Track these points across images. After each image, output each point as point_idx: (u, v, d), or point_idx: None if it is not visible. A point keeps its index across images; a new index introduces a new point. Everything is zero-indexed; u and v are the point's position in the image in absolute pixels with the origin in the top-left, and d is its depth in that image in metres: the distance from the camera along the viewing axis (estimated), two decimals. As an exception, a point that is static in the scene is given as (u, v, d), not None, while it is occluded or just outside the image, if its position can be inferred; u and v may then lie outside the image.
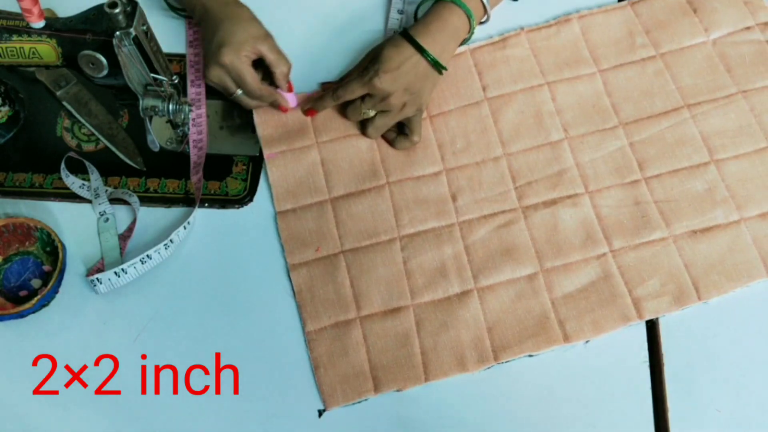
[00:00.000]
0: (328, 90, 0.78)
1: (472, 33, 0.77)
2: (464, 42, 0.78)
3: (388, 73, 0.72)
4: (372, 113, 0.76)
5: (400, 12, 0.86)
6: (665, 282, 0.70)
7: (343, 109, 0.79)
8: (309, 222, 0.75)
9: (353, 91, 0.75)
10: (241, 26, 0.73)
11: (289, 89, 0.78)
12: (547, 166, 0.76)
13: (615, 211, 0.73)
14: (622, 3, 0.85)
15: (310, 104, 0.79)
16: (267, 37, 0.75)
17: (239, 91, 0.75)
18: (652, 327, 0.69)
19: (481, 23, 0.79)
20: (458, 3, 0.74)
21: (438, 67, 0.74)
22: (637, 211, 0.73)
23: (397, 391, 0.68)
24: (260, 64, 0.76)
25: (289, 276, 0.73)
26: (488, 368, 0.68)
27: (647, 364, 0.68)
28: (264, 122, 0.79)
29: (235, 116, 0.81)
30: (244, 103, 0.77)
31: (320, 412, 0.67)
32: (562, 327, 0.69)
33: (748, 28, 0.82)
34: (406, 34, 0.74)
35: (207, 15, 0.75)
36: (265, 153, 0.78)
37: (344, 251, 0.73)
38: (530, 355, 0.68)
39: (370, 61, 0.75)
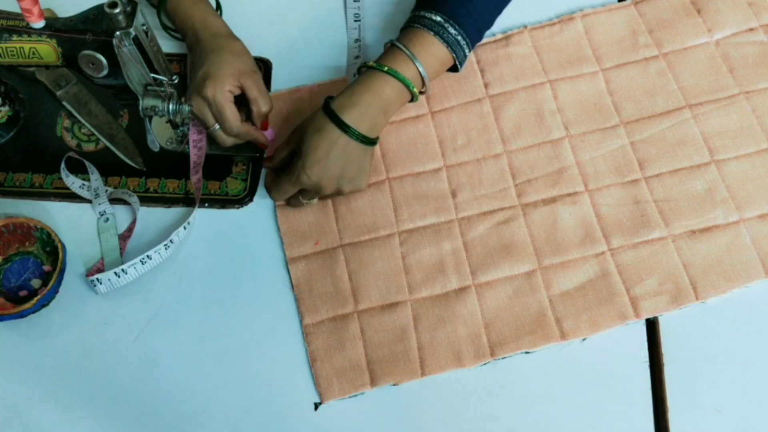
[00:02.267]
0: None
1: (416, 99, 0.71)
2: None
3: (315, 165, 0.67)
4: (315, 201, 0.73)
5: (357, 19, 0.85)
6: (663, 281, 0.70)
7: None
8: (308, 215, 0.75)
9: (285, 191, 0.72)
10: (229, 60, 0.71)
11: (265, 127, 0.76)
12: (547, 163, 0.76)
13: (614, 210, 0.73)
14: (626, 2, 0.85)
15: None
16: (253, 73, 0.73)
17: (216, 126, 0.73)
18: (652, 327, 0.69)
19: (422, 93, 0.72)
20: (394, 74, 0.68)
21: (368, 143, 0.69)
22: (636, 210, 0.73)
23: (394, 385, 0.68)
24: (240, 100, 0.73)
25: (287, 269, 0.73)
26: (485, 364, 0.68)
27: (647, 363, 0.68)
28: None
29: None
30: (219, 140, 0.74)
31: (316, 405, 0.68)
32: (559, 324, 0.69)
33: (751, 29, 0.82)
34: (329, 110, 0.68)
35: (198, 43, 0.74)
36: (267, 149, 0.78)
37: (343, 245, 0.74)
38: (527, 352, 0.68)
39: (297, 150, 0.70)
